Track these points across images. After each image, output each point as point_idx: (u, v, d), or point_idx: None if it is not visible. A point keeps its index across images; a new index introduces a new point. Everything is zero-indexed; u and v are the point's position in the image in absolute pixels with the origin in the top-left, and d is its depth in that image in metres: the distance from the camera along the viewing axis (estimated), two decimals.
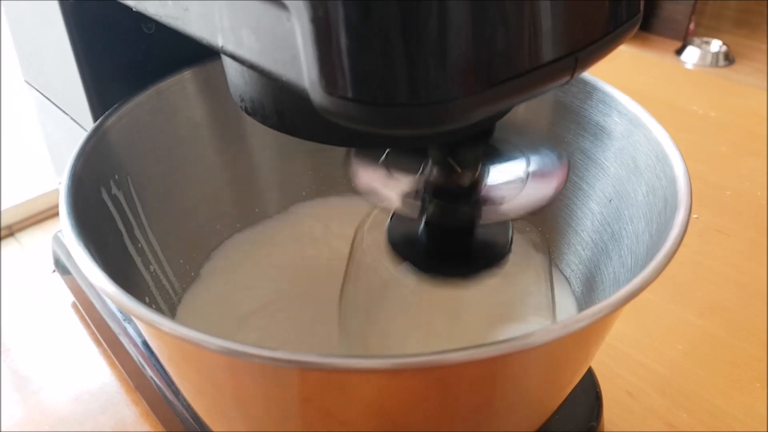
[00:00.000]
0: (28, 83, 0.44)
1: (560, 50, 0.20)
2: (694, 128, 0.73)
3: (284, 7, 0.19)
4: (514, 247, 0.30)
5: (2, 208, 0.60)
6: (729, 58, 1.00)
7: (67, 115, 0.40)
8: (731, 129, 0.72)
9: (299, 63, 0.19)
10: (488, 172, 0.29)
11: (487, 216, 0.28)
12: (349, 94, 0.19)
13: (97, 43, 0.35)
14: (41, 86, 0.42)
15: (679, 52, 1.02)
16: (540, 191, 0.28)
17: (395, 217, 0.31)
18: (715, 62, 1.00)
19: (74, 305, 0.51)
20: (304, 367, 0.21)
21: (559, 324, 0.21)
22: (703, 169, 0.65)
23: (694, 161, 0.66)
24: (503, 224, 0.31)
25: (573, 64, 0.21)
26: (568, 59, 0.21)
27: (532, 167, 0.29)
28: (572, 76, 0.21)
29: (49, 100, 0.42)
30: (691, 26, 1.09)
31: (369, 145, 0.27)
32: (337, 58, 0.18)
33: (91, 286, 0.44)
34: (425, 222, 0.30)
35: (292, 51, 0.19)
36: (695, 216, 0.59)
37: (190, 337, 0.21)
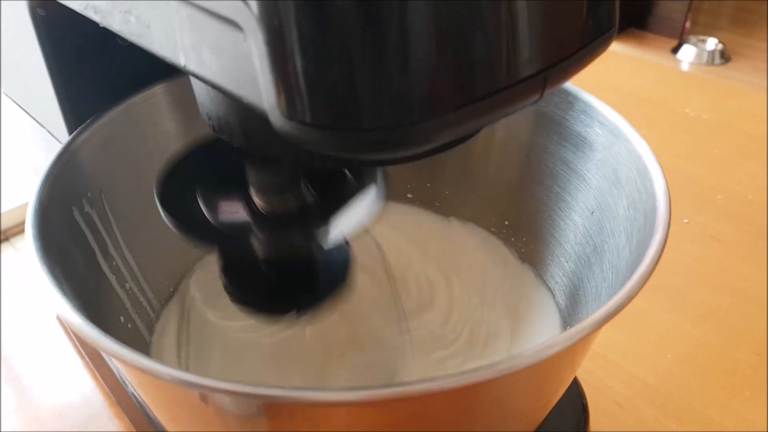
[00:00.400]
0: (8, 96, 0.44)
1: (528, 69, 0.20)
2: (687, 130, 0.72)
3: (239, 27, 0.18)
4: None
5: None
6: (725, 56, 1.00)
7: (44, 128, 0.39)
8: (724, 131, 0.72)
9: (258, 84, 0.19)
10: (312, 193, 0.28)
11: (324, 239, 0.27)
12: (308, 119, 0.18)
13: (71, 56, 0.34)
14: (19, 99, 0.41)
15: (675, 50, 1.01)
16: (369, 206, 0.27)
17: (225, 259, 0.30)
18: (711, 60, 1.00)
19: (59, 318, 0.51)
20: (267, 401, 0.20)
21: (532, 350, 0.20)
22: (697, 172, 0.64)
23: (687, 163, 0.65)
24: (340, 247, 0.30)
25: (542, 83, 0.20)
26: (537, 78, 0.20)
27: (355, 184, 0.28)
28: (542, 95, 0.21)
29: (27, 113, 0.41)
30: (688, 24, 1.09)
31: (340, 164, 0.26)
32: (294, 81, 0.17)
33: None
34: (260, 258, 0.29)
35: (251, 72, 0.19)
36: (686, 221, 0.58)
37: (150, 369, 0.20)
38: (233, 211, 0.28)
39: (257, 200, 0.27)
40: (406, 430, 0.23)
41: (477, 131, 0.26)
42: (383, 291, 0.37)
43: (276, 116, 0.19)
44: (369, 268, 0.37)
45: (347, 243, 0.30)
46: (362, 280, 0.34)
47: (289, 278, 0.30)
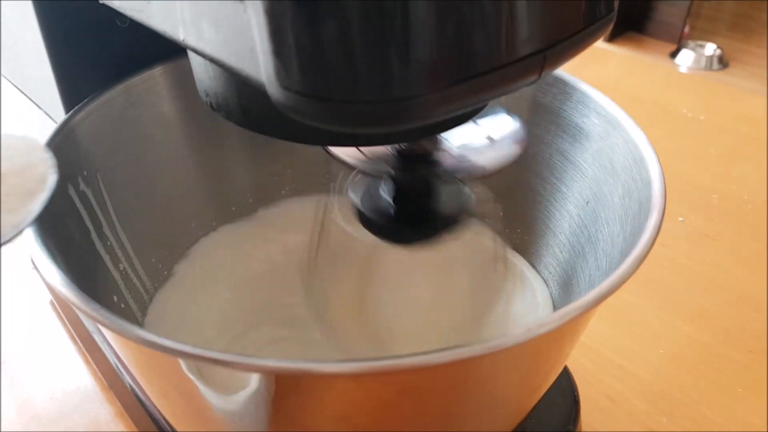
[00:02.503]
0: (5, 77, 0.43)
1: (528, 48, 0.20)
2: (683, 131, 0.72)
3: None
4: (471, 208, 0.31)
5: None
6: (723, 62, 1.00)
7: (42, 109, 0.39)
8: (721, 132, 0.72)
9: (257, 56, 0.19)
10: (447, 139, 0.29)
11: (457, 173, 0.29)
12: (305, 90, 0.18)
13: (70, 37, 0.34)
14: (16, 80, 0.41)
15: (674, 55, 1.01)
16: (506, 150, 0.28)
17: (360, 184, 0.31)
18: (709, 65, 1.00)
19: (51, 303, 0.51)
20: (260, 371, 0.20)
21: (523, 329, 0.21)
22: (692, 172, 0.65)
23: (682, 163, 0.65)
24: (461, 190, 0.31)
25: (541, 62, 0.20)
26: (536, 57, 0.20)
27: (493, 131, 0.29)
28: (540, 75, 0.21)
29: (24, 94, 0.41)
30: (686, 29, 1.09)
31: (336, 143, 0.26)
32: (292, 51, 0.17)
33: None
34: (390, 184, 0.30)
35: (250, 44, 0.19)
36: (681, 219, 0.58)
37: (143, 338, 0.20)
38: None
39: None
40: (397, 407, 0.23)
41: (474, 112, 0.26)
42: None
43: (273, 87, 0.19)
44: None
45: (469, 188, 0.31)
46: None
47: (412, 210, 0.31)
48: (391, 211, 0.30)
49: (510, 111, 0.31)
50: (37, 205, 0.25)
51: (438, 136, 0.29)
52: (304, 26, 0.17)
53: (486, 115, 0.30)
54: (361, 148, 0.29)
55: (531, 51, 0.20)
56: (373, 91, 0.18)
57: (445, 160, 0.29)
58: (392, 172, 0.29)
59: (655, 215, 0.26)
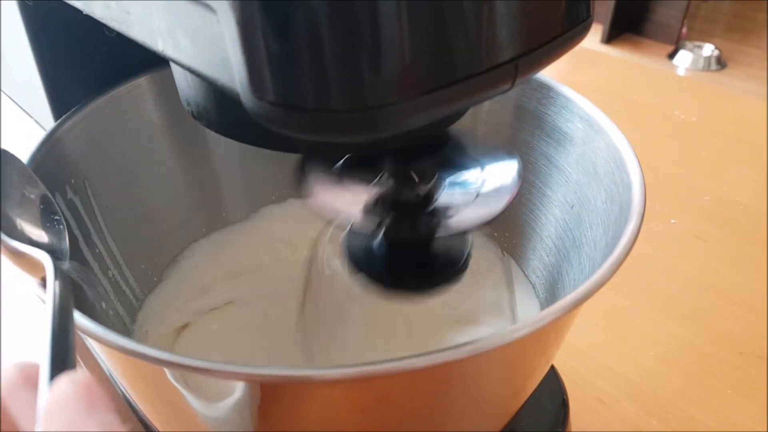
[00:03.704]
0: None
1: (500, 56, 0.20)
2: (676, 133, 0.72)
3: (212, 9, 0.18)
4: (474, 251, 0.30)
5: None
6: (721, 62, 1.00)
7: (32, 117, 0.39)
8: (714, 134, 0.72)
9: (231, 66, 0.19)
10: (444, 182, 0.29)
11: (442, 228, 0.28)
12: (278, 99, 0.18)
13: (58, 45, 0.35)
14: (7, 89, 0.42)
15: (672, 55, 1.02)
16: (492, 203, 0.27)
17: (352, 230, 0.31)
18: (707, 66, 1.00)
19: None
20: (240, 379, 0.21)
21: (498, 334, 0.21)
22: (684, 175, 0.65)
23: (674, 165, 0.66)
24: (461, 236, 0.30)
25: (513, 71, 0.21)
26: (508, 66, 0.20)
27: (487, 177, 0.28)
28: (513, 84, 0.21)
29: (15, 102, 0.41)
30: (684, 30, 1.09)
31: (316, 151, 0.27)
32: (264, 62, 0.18)
33: None
34: (382, 235, 0.30)
35: (224, 54, 0.19)
36: (672, 221, 0.58)
37: (127, 348, 0.21)
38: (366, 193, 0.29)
39: (390, 187, 0.28)
40: (377, 412, 0.23)
41: (453, 119, 0.26)
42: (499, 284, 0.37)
43: (247, 96, 0.19)
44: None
45: (468, 234, 0.31)
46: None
47: (408, 259, 0.30)
48: (385, 260, 0.30)
49: (512, 156, 0.30)
50: None
51: (431, 183, 0.29)
52: (275, 37, 0.17)
53: (487, 157, 0.30)
54: (348, 198, 0.29)
55: (503, 60, 0.20)
56: (344, 101, 0.18)
57: (438, 210, 0.28)
58: (384, 225, 0.28)
59: (634, 221, 0.26)
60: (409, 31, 0.18)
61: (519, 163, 0.29)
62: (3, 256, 0.25)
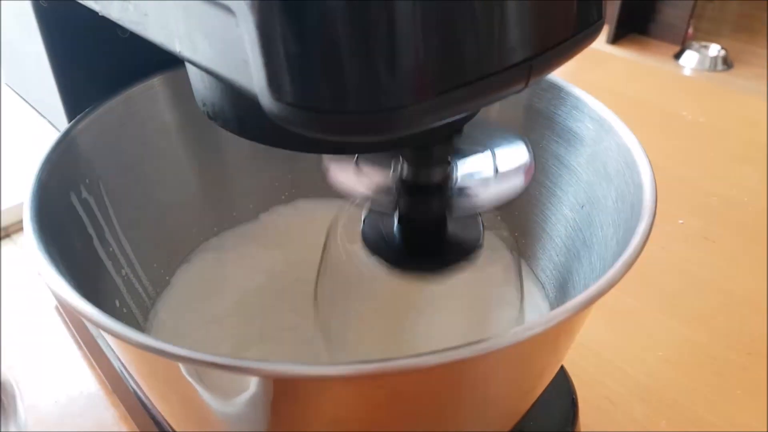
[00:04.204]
0: (9, 86, 0.44)
1: (514, 57, 0.20)
2: (683, 134, 0.72)
3: (231, 12, 0.19)
4: (484, 242, 0.30)
5: None
6: (727, 63, 1.00)
7: (45, 118, 0.40)
8: (721, 135, 0.72)
9: (249, 68, 0.19)
10: (457, 166, 0.29)
11: (458, 209, 0.28)
12: (296, 101, 0.18)
13: (71, 46, 0.35)
14: (20, 89, 0.42)
15: (678, 56, 1.01)
16: (510, 184, 0.28)
17: (369, 212, 0.31)
18: (713, 66, 1.00)
19: (57, 308, 0.51)
20: (254, 375, 0.21)
21: (511, 332, 0.21)
22: (692, 175, 0.65)
23: (682, 166, 0.66)
24: (474, 219, 0.31)
25: (527, 71, 0.21)
26: (522, 66, 0.20)
27: (500, 160, 0.29)
28: (526, 84, 0.21)
29: (28, 103, 0.42)
30: (690, 30, 1.09)
31: (330, 150, 0.27)
32: (282, 63, 0.18)
33: None
34: (398, 217, 0.30)
35: (242, 56, 0.19)
36: (680, 221, 0.58)
37: (140, 342, 0.21)
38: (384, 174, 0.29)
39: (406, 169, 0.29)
40: (389, 410, 0.24)
41: (466, 120, 0.26)
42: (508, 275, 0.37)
43: (265, 98, 0.19)
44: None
45: (480, 217, 0.31)
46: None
47: (424, 239, 0.31)
48: (401, 241, 0.30)
49: (521, 136, 0.31)
50: None
51: (447, 167, 0.29)
52: (294, 39, 0.17)
53: (497, 142, 0.30)
54: (366, 180, 0.30)
55: (517, 60, 0.20)
56: (361, 102, 0.18)
57: (453, 193, 0.29)
58: (399, 205, 0.29)
59: (645, 220, 0.26)
60: (424, 33, 0.18)
61: (527, 143, 0.29)
62: None
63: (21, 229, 0.60)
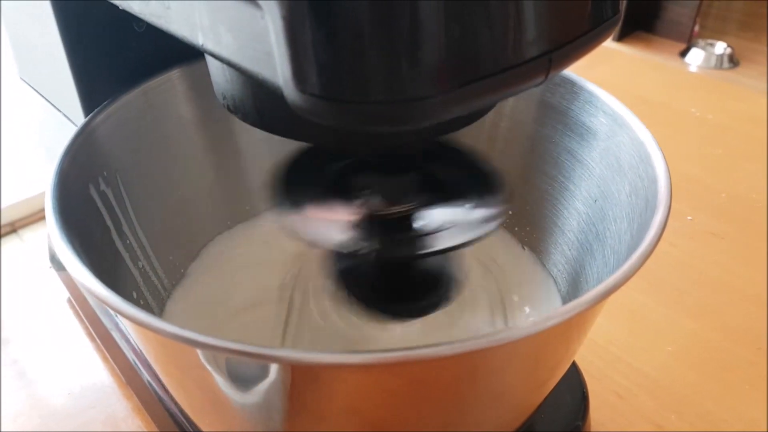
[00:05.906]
0: (24, 80, 0.44)
1: (535, 50, 0.20)
2: (691, 130, 0.73)
3: (257, 5, 0.19)
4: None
5: (4, 205, 0.60)
6: (733, 61, 1.00)
7: (60, 112, 0.40)
8: (729, 132, 0.72)
9: (273, 60, 0.19)
10: (429, 202, 0.29)
11: (428, 247, 0.27)
12: (321, 92, 0.19)
13: (88, 40, 0.35)
14: (35, 83, 0.42)
15: (684, 54, 1.01)
16: (481, 222, 0.27)
17: (335, 255, 0.31)
18: (719, 64, 0.99)
19: (69, 301, 0.52)
20: (272, 362, 0.21)
21: (530, 322, 0.21)
22: (699, 172, 0.65)
23: (690, 163, 0.66)
24: (451, 258, 0.30)
25: (547, 64, 0.21)
26: (542, 59, 0.21)
27: (473, 198, 0.28)
28: (546, 76, 0.21)
29: (43, 97, 0.42)
30: (696, 28, 1.08)
31: (345, 143, 0.27)
32: (308, 55, 0.18)
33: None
34: (367, 256, 0.28)
35: (267, 48, 0.19)
36: (689, 218, 0.59)
37: (163, 330, 0.21)
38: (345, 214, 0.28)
39: (371, 205, 0.28)
40: (406, 398, 0.24)
41: (483, 112, 0.27)
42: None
43: (290, 90, 0.19)
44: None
45: (455, 258, 0.30)
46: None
47: (395, 282, 0.30)
48: (379, 287, 0.30)
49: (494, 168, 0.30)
50: None
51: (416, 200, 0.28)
52: (320, 32, 0.18)
53: (470, 178, 0.29)
54: (330, 225, 0.28)
55: (537, 53, 0.20)
56: (386, 93, 0.19)
57: (422, 231, 0.28)
58: (374, 249, 0.27)
59: (660, 212, 0.26)
60: (448, 25, 0.18)
61: (503, 184, 0.28)
62: None
63: (28, 224, 0.61)
